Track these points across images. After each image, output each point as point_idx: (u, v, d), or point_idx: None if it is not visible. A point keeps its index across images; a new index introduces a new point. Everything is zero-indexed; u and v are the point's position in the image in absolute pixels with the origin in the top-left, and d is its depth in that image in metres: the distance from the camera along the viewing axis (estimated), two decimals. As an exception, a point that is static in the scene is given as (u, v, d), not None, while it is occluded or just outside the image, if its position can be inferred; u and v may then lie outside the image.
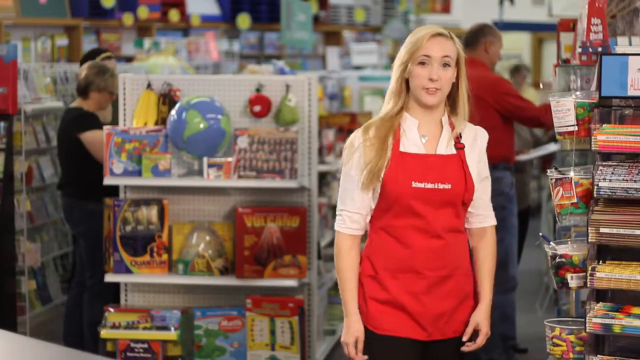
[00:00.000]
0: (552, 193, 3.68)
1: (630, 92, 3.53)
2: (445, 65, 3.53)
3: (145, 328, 5.71)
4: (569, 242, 3.71)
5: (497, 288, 6.48)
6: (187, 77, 6.28)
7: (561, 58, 4.60)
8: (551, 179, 3.67)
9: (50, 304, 7.57)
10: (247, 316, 5.73)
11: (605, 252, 3.58)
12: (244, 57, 13.02)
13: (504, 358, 6.51)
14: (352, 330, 3.57)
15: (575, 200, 3.60)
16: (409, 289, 3.54)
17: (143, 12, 11.52)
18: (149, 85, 5.90)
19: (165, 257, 5.75)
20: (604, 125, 3.54)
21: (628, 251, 3.55)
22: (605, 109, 3.57)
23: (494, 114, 6.33)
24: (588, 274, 3.52)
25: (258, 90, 5.88)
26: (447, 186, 3.52)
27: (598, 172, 3.52)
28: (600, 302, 3.58)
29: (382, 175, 3.51)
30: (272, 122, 5.87)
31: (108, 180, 5.77)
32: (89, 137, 6.27)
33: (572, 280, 3.62)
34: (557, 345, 3.66)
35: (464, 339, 3.62)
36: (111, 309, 5.80)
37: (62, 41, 10.54)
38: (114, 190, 5.94)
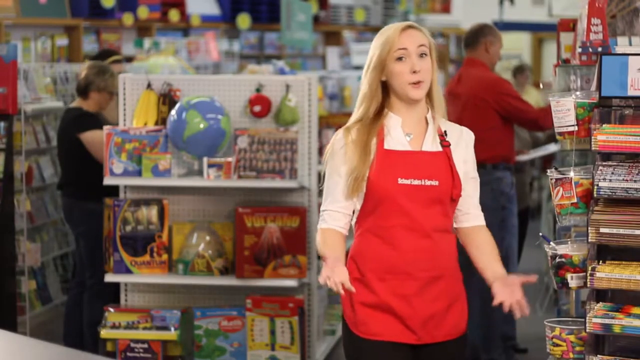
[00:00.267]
0: (552, 193, 3.68)
1: (630, 92, 3.53)
2: (423, 55, 3.44)
3: (145, 328, 5.71)
4: (569, 242, 3.71)
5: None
6: (187, 77, 6.28)
7: (561, 58, 4.60)
8: (551, 179, 3.67)
9: (50, 304, 7.57)
10: (247, 316, 5.73)
11: (605, 252, 3.58)
12: (244, 57, 13.01)
13: (504, 358, 6.51)
14: (338, 271, 3.29)
15: (575, 200, 3.60)
16: (398, 291, 3.44)
17: (143, 12, 11.51)
18: (149, 85, 5.90)
19: (165, 257, 5.76)
20: (604, 125, 3.54)
21: (628, 251, 3.55)
22: (605, 109, 3.58)
23: (494, 114, 6.34)
24: (588, 274, 3.52)
25: (258, 90, 5.88)
26: (435, 183, 3.43)
27: (598, 172, 3.52)
28: (600, 302, 3.58)
29: (366, 178, 3.43)
30: (272, 122, 5.87)
31: (108, 180, 5.77)
32: (89, 137, 6.28)
33: (572, 280, 3.62)
34: (557, 345, 3.65)
35: (496, 301, 3.36)
36: (111, 309, 5.80)
37: (62, 41, 10.53)
38: (114, 190, 5.94)
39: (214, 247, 5.76)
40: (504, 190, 6.35)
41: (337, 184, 3.49)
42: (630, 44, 3.82)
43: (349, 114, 3.67)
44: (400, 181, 3.42)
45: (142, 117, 5.85)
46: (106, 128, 5.82)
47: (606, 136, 3.49)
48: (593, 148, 3.51)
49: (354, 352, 3.52)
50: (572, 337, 3.63)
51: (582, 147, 3.72)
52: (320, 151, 6.70)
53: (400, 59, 3.45)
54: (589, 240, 3.52)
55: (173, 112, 5.69)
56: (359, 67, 11.20)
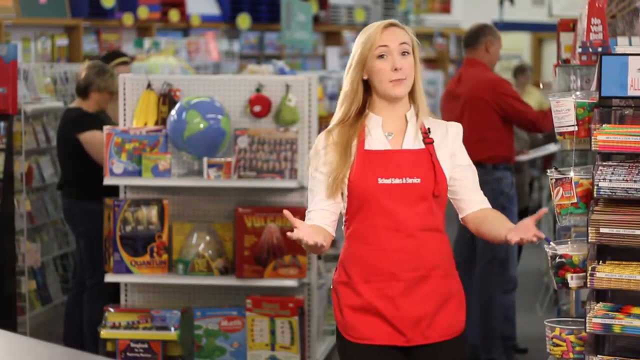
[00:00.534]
0: (552, 193, 3.68)
1: (630, 92, 3.53)
2: (405, 53, 3.42)
3: (145, 328, 5.71)
4: (569, 242, 3.71)
5: (497, 288, 6.53)
6: (187, 77, 6.28)
7: (561, 58, 4.60)
8: (551, 179, 3.67)
9: (50, 304, 7.57)
10: (247, 316, 5.73)
11: (605, 252, 3.58)
12: (244, 57, 13.01)
13: (504, 358, 6.51)
14: (300, 225, 3.31)
15: (575, 200, 3.60)
16: (383, 292, 3.41)
17: (143, 12, 11.51)
18: (149, 85, 5.90)
19: (165, 257, 5.76)
20: (604, 125, 3.54)
21: (628, 251, 3.55)
22: (605, 109, 3.58)
23: (494, 114, 6.34)
24: (588, 274, 3.52)
25: (258, 90, 5.88)
26: (417, 180, 3.40)
27: (598, 172, 3.52)
28: (600, 302, 3.58)
29: (346, 179, 3.43)
30: (272, 122, 5.87)
31: (108, 181, 5.77)
32: (88, 137, 6.27)
33: (572, 280, 3.62)
34: (557, 345, 3.66)
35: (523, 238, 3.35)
36: (111, 309, 5.80)
37: (62, 41, 10.53)
38: (114, 190, 5.94)
39: (214, 247, 5.76)
40: (504, 190, 6.36)
41: (319, 184, 3.49)
42: (630, 44, 3.83)
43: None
44: (381, 181, 3.40)
45: (142, 117, 5.85)
46: (106, 128, 5.82)
47: (606, 136, 3.49)
48: (593, 148, 3.51)
49: (344, 358, 3.53)
50: (572, 337, 3.63)
51: (582, 147, 3.72)
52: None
53: (381, 56, 3.42)
54: (589, 240, 3.52)
55: (173, 112, 5.69)
56: (359, 67, 11.19)
